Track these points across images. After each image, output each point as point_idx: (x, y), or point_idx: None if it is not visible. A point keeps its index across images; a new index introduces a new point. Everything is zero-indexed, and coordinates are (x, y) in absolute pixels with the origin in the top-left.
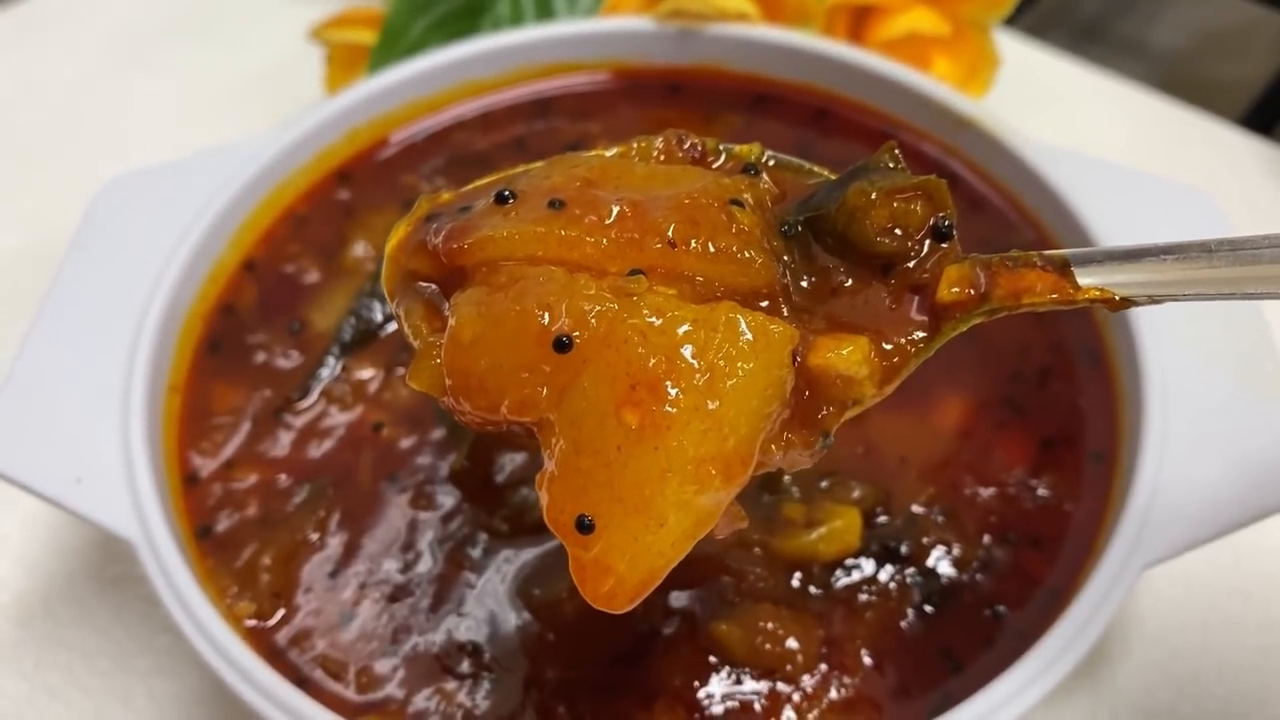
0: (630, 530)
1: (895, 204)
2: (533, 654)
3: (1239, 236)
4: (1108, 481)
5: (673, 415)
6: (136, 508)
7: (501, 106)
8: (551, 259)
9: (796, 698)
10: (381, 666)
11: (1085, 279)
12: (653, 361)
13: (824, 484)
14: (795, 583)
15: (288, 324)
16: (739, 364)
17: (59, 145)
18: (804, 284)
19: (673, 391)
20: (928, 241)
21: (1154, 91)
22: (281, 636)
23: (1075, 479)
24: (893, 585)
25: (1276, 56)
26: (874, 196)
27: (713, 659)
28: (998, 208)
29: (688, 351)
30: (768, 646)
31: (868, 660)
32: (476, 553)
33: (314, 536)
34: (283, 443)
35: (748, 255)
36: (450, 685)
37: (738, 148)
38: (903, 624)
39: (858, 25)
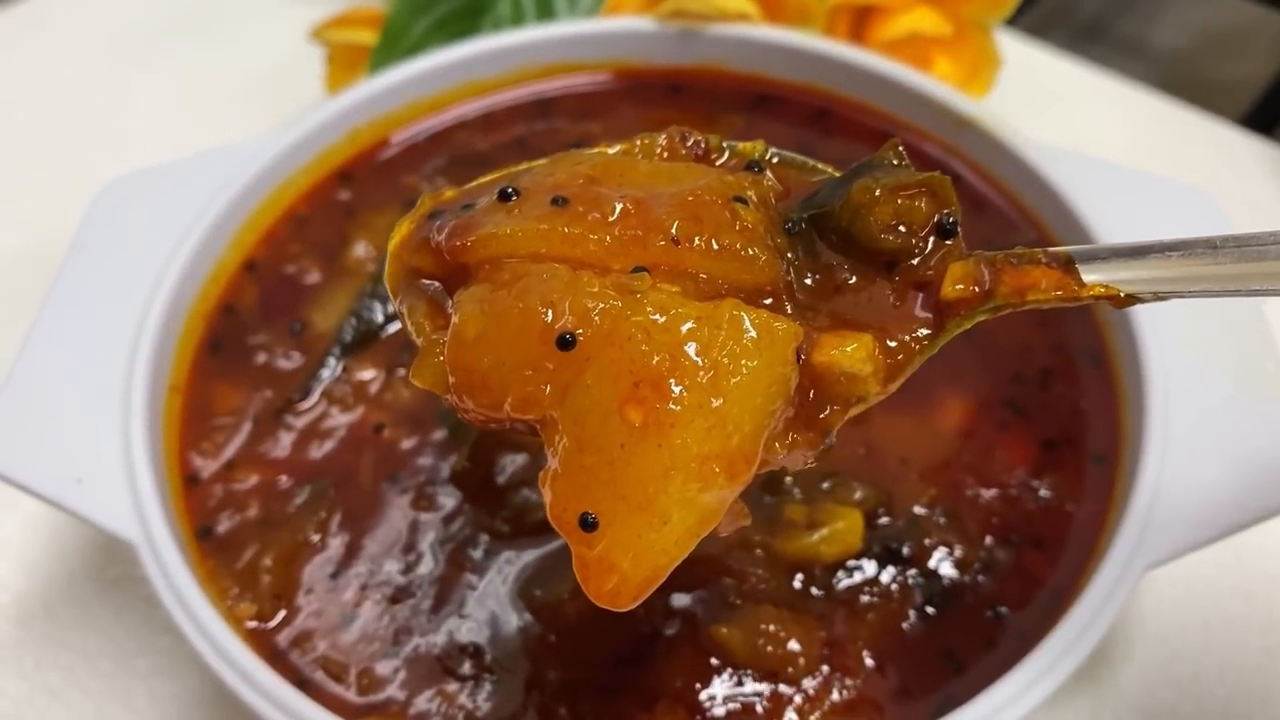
0: (634, 528)
1: (899, 201)
2: (534, 655)
3: (1244, 233)
4: (1110, 483)
5: (676, 413)
6: (137, 509)
7: (503, 107)
8: (555, 256)
9: (798, 699)
10: (383, 668)
11: (1090, 276)
12: (656, 359)
13: (825, 485)
14: (797, 584)
15: (289, 324)
16: (743, 361)
17: (59, 145)
18: (808, 281)
19: (676, 389)
20: (932, 238)
21: (1155, 91)
22: (282, 638)
23: (1077, 480)
24: (894, 586)
25: (1277, 56)
26: (878, 193)
27: (714, 661)
28: (999, 208)
29: (691, 349)
30: (769, 648)
31: (869, 662)
32: (478, 554)
33: (315, 538)
34: (284, 444)
35: (751, 252)
36: (452, 687)
37: (741, 145)
38: (904, 625)
39: (859, 25)
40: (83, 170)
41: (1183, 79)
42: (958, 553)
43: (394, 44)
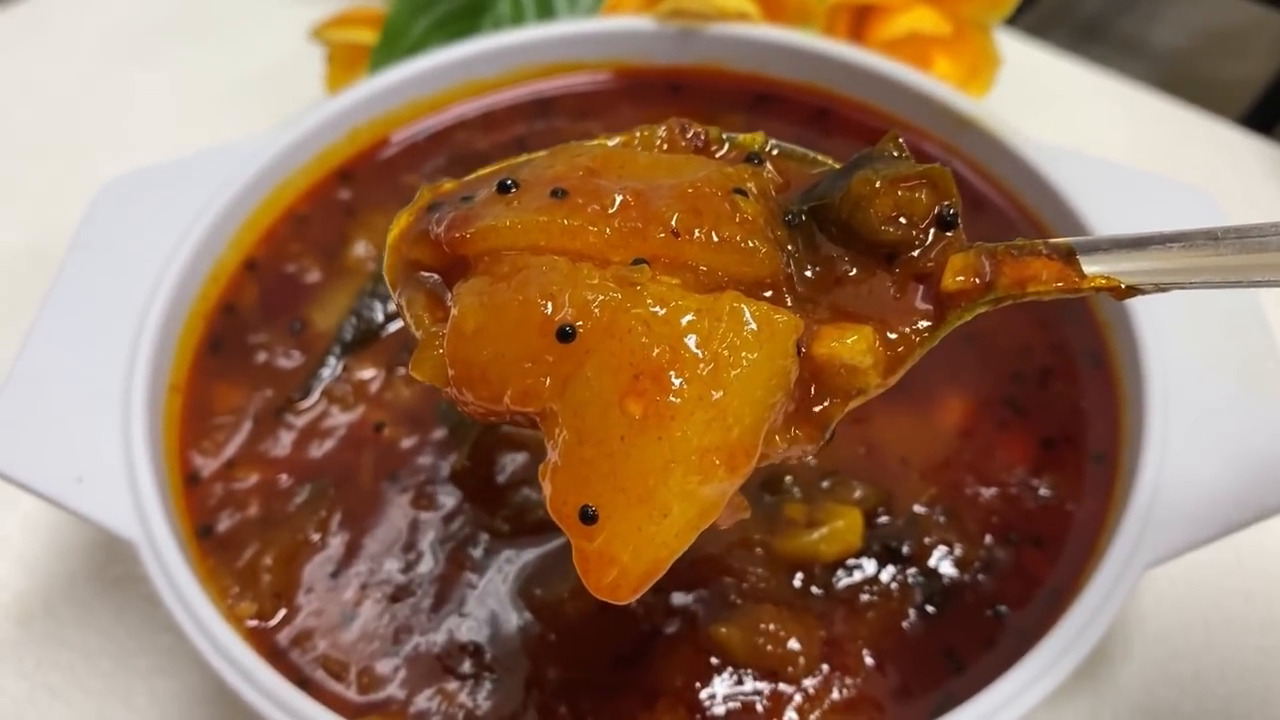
0: (634, 521)
1: (900, 192)
2: (534, 654)
3: (1245, 224)
4: (1109, 482)
5: (676, 405)
6: (137, 508)
7: (502, 106)
8: (554, 248)
9: (798, 698)
10: (383, 667)
11: (1091, 267)
12: (656, 351)
13: (825, 484)
14: (797, 583)
15: (289, 324)
16: (743, 354)
17: (59, 145)
18: (808, 273)
19: (676, 381)
20: (932, 230)
21: (1155, 91)
22: (283, 636)
23: (1077, 479)
24: (894, 585)
25: (1277, 56)
26: (878, 185)
27: (714, 660)
28: (999, 207)
29: (691, 341)
30: (769, 647)
31: (869, 660)
32: (478, 553)
33: (315, 536)
34: (284, 442)
35: (751, 245)
36: (452, 685)
37: (741, 137)
38: (904, 624)
39: (859, 25)
40: (83, 170)
41: (1183, 78)
42: (958, 551)
43: (394, 43)
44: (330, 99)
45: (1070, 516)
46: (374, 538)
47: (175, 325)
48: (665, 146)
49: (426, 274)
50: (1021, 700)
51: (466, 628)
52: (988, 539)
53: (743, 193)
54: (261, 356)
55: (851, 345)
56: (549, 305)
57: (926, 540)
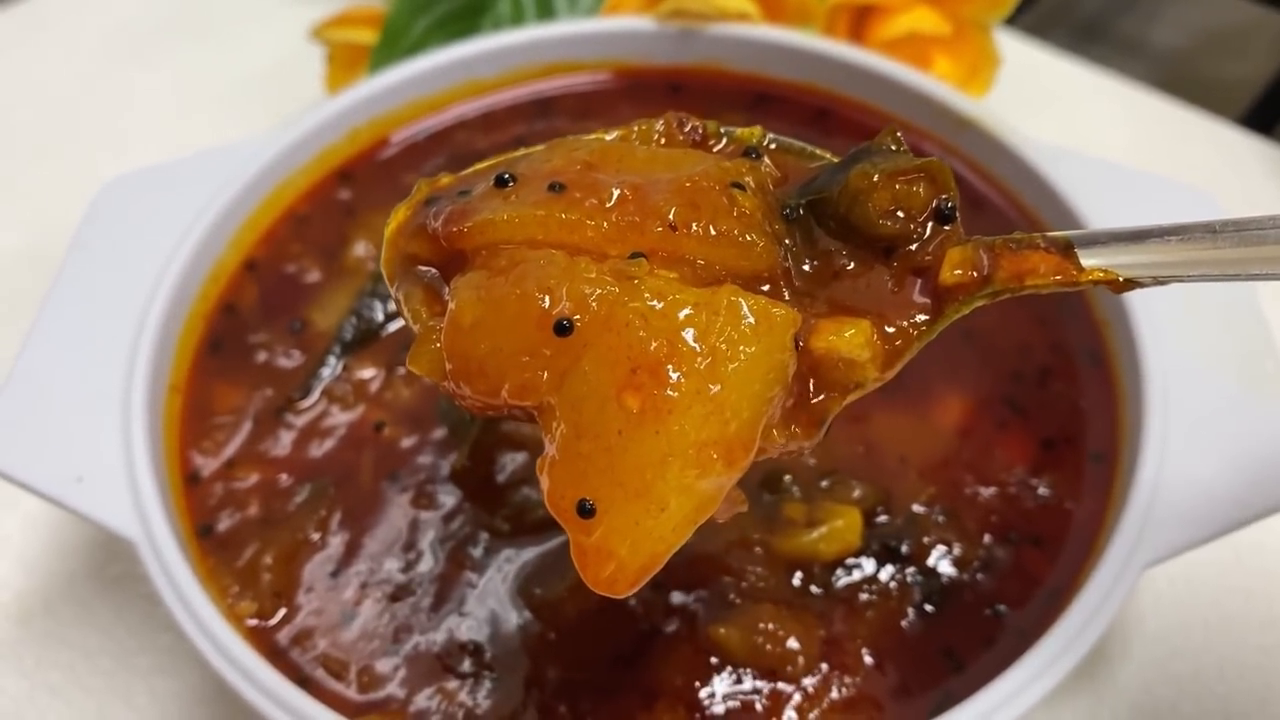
0: (631, 515)
1: (898, 186)
2: (534, 653)
3: (1243, 218)
4: (1109, 481)
5: (674, 399)
6: (138, 507)
7: (502, 106)
8: (552, 242)
9: (798, 697)
10: (383, 666)
11: (1089, 260)
12: (654, 345)
13: (824, 483)
14: (796, 582)
15: (289, 323)
16: (741, 347)
17: (59, 145)
18: (805, 267)
19: (674, 375)
20: (930, 224)
21: (1155, 91)
22: (283, 636)
23: (1076, 478)
24: (893, 585)
25: (1277, 56)
26: (876, 179)
27: (714, 659)
28: (998, 207)
29: (689, 335)
30: (768, 647)
31: (869, 659)
32: (478, 552)
33: (315, 536)
34: (284, 442)
35: (749, 239)
36: (452, 685)
37: (739, 131)
38: (903, 623)
39: (858, 25)
40: (83, 170)
41: (1183, 78)
42: (957, 551)
43: (394, 43)
44: (330, 99)
45: (1069, 516)
46: (374, 537)
47: (175, 325)
48: (663, 140)
49: (424, 268)
50: (1020, 699)
51: (466, 627)
52: (987, 538)
53: (740, 187)
54: (261, 356)
55: (849, 339)
56: (546, 299)
57: (926, 539)
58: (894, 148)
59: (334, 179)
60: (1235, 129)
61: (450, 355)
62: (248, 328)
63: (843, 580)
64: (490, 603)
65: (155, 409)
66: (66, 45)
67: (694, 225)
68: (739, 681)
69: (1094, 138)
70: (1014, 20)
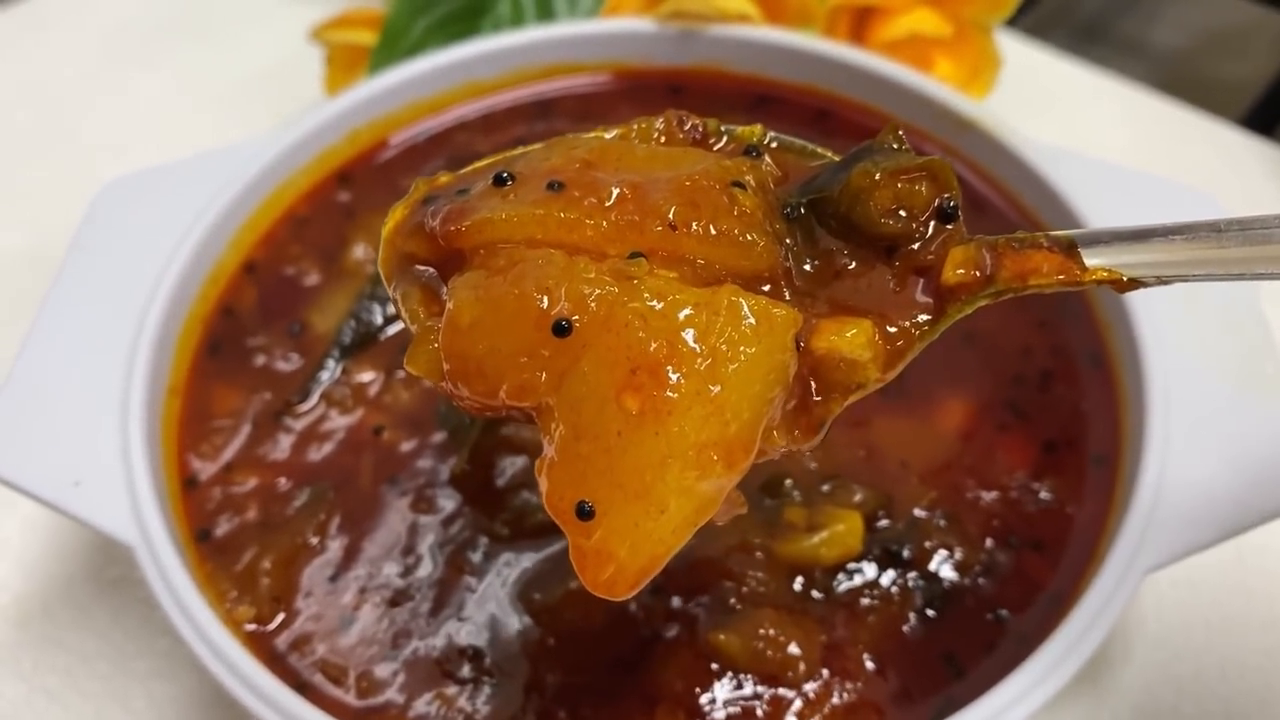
0: (631, 516)
1: (900, 185)
2: (534, 659)
3: (1248, 216)
4: (1110, 485)
5: (674, 400)
6: (135, 511)
7: (502, 108)
8: (550, 241)
9: (799, 703)
10: (382, 671)
11: (1092, 260)
12: (653, 345)
13: (825, 488)
14: (797, 587)
15: (288, 326)
16: (741, 348)
17: (59, 145)
18: (806, 267)
19: (674, 376)
20: (932, 223)
21: (1155, 92)
22: (281, 641)
23: (1077, 482)
24: (894, 589)
25: (1278, 56)
26: (878, 177)
27: (714, 665)
28: (999, 209)
29: (689, 335)
30: (769, 652)
31: (870, 665)
32: (477, 557)
33: (314, 540)
34: (283, 446)
35: (749, 238)
36: (451, 690)
37: (739, 129)
38: (905, 628)
39: (859, 26)
40: (83, 170)
41: (1183, 79)
42: (958, 555)
43: (393, 45)
44: (329, 101)
45: (1071, 520)
46: (373, 541)
47: (174, 327)
48: (663, 139)
49: (422, 268)
50: (1022, 705)
51: (466, 632)
52: (988, 543)
53: (741, 186)
54: (260, 359)
55: (851, 339)
56: (545, 299)
57: (927, 544)
58: (896, 146)
59: (333, 181)
60: (1236, 130)
61: (448, 355)
62: (246, 330)
63: (844, 585)
64: (490, 607)
65: (154, 412)
66: (66, 45)
67: (694, 224)
68: (739, 687)
69: (1094, 139)
70: (1014, 21)
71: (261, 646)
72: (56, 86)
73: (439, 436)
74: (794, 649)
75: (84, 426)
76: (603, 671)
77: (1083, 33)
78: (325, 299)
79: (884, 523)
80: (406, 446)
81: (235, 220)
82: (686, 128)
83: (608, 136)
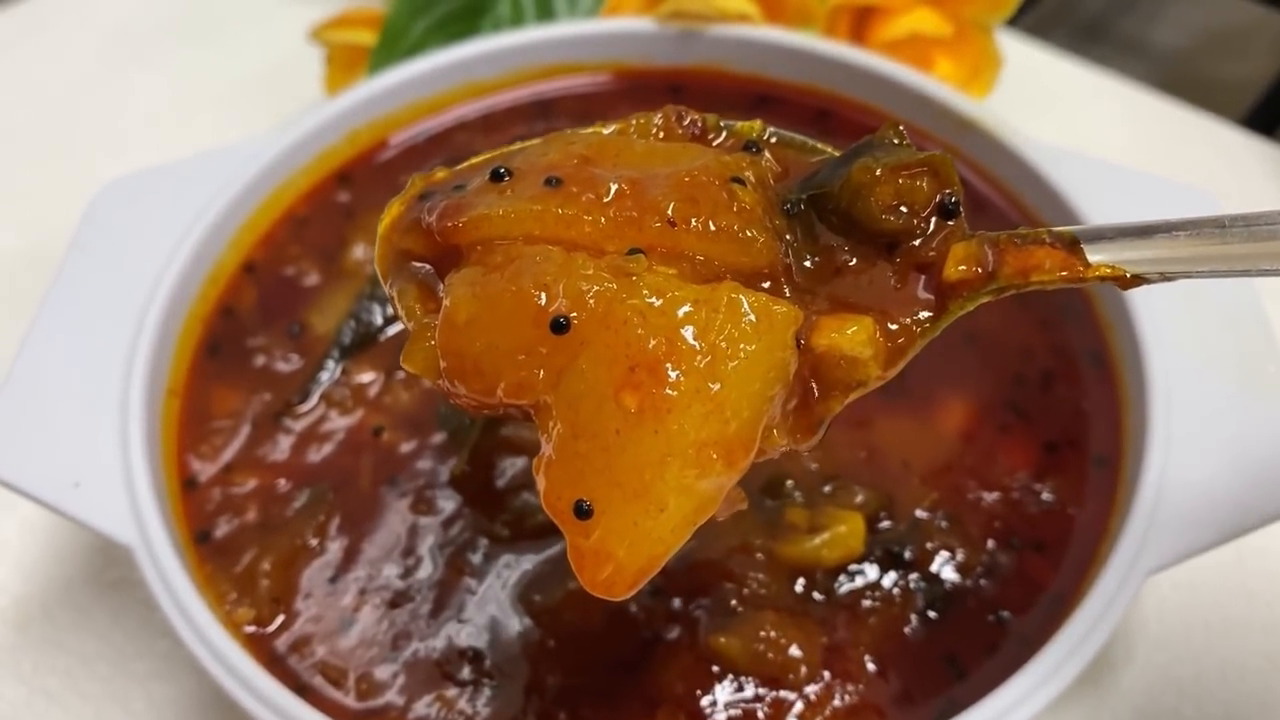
0: (629, 516)
1: (901, 180)
2: (534, 660)
3: (1252, 212)
4: (1112, 486)
5: (673, 398)
6: (135, 512)
7: (502, 108)
8: (548, 238)
9: (800, 705)
10: (382, 673)
11: (1095, 256)
12: (652, 343)
13: (827, 489)
14: (798, 588)
15: (287, 327)
16: (741, 345)
17: (59, 145)
18: (807, 264)
19: (673, 374)
20: (934, 219)
21: (1156, 92)
22: (281, 642)
23: (1079, 483)
24: (896, 591)
25: (1278, 56)
26: (879, 173)
27: (715, 667)
28: (1000, 208)
29: (688, 333)
30: (770, 654)
31: (871, 666)
32: (477, 558)
33: (314, 542)
34: (282, 447)
35: (749, 234)
36: (451, 692)
37: (739, 124)
38: (906, 630)
39: (859, 26)
40: (83, 170)
41: (1183, 79)
42: (959, 557)
43: (393, 45)
44: (329, 101)
45: (1072, 521)
46: (373, 543)
47: (173, 328)
48: (661, 134)
49: (418, 264)
50: (1024, 707)
51: (466, 633)
52: (990, 544)
53: (740, 181)
54: (260, 360)
55: (851, 336)
56: (543, 296)
57: (928, 545)
58: (897, 141)
59: (333, 181)
60: (1236, 130)
61: (444, 353)
62: (246, 331)
63: (845, 586)
64: (490, 609)
65: (153, 413)
66: (66, 45)
67: (693, 220)
68: (740, 689)
69: (1095, 138)
70: (1015, 21)
71: (261, 648)
72: (56, 87)
73: (439, 437)
74: (795, 651)
75: (83, 427)
76: (603, 673)
77: (1083, 32)
78: (325, 299)
79: (885, 524)
80: (406, 447)
81: (235, 220)
82: (685, 123)
83: (606, 132)
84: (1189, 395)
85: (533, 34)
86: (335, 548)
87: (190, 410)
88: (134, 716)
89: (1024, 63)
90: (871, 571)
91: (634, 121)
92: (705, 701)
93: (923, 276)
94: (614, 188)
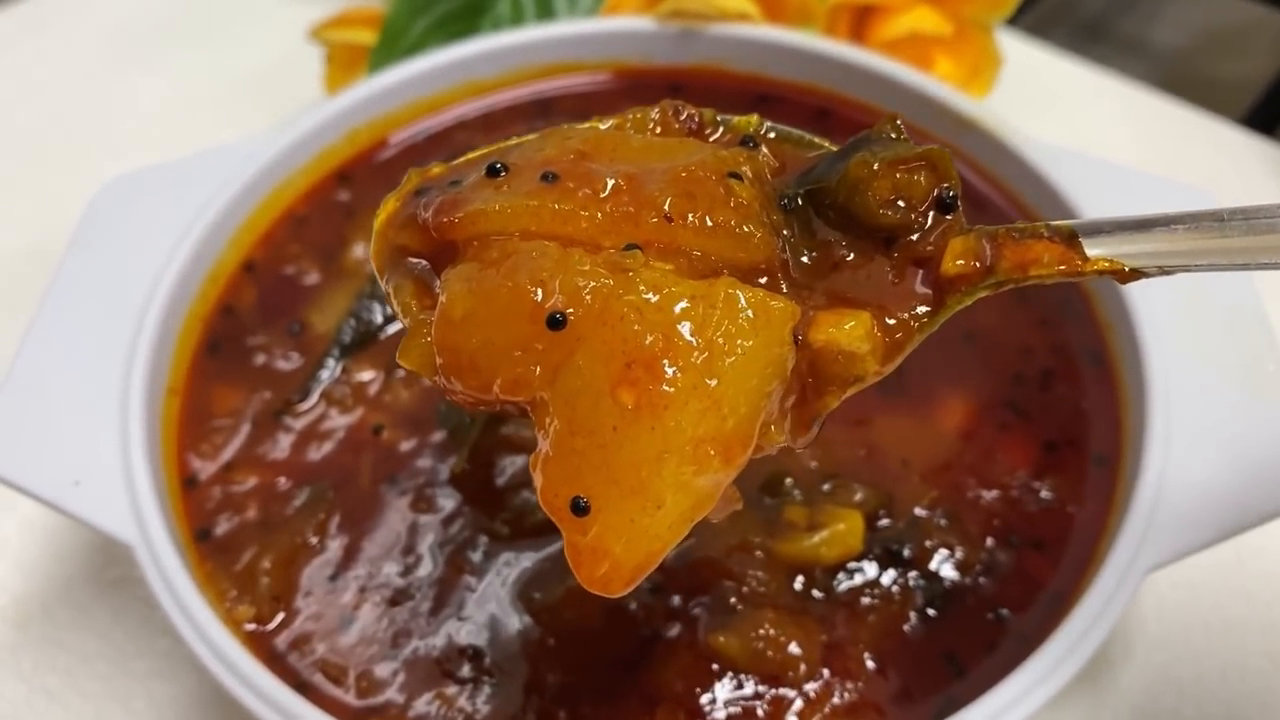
0: (626, 512)
1: (898, 175)
2: (534, 658)
3: (1252, 206)
4: (1111, 484)
5: (670, 394)
6: (135, 511)
7: (502, 107)
8: (545, 233)
9: (799, 703)
10: (382, 671)
11: (1093, 250)
12: (649, 339)
13: (826, 487)
14: (797, 586)
15: (287, 325)
16: (738, 341)
17: (59, 145)
18: (804, 259)
19: (670, 370)
20: (932, 213)
21: (1156, 91)
22: (281, 640)
23: (1078, 481)
24: (895, 589)
25: (1278, 56)
26: (876, 167)
27: (715, 665)
28: (1000, 208)
29: (685, 329)
30: (769, 652)
31: (870, 664)
32: (477, 556)
33: (314, 540)
34: (282, 445)
35: (746, 229)
36: (451, 690)
37: (736, 119)
38: (905, 628)
39: (859, 25)
40: (83, 170)
41: (1184, 78)
42: (959, 555)
43: (393, 44)
44: (329, 100)
45: (1072, 519)
46: (373, 541)
47: (174, 326)
48: (658, 129)
49: (414, 260)
50: (1023, 705)
51: (465, 631)
52: (989, 542)
53: (737, 176)
54: (260, 358)
55: (849, 331)
56: (539, 292)
57: (928, 543)
58: (894, 136)
59: (333, 180)
60: (1236, 129)
61: (441, 349)
62: (246, 329)
63: (844, 584)
64: (490, 607)
65: (153, 411)
66: (66, 45)
67: (690, 216)
68: (740, 687)
69: (1095, 138)
70: (1015, 20)
71: (261, 646)
72: (56, 86)
73: (439, 436)
74: (794, 649)
75: (84, 425)
76: (603, 671)
77: (1083, 32)
78: (325, 298)
79: (885, 522)
80: (406, 446)
81: (235, 219)
82: (682, 118)
83: (603, 127)
84: (1188, 394)
85: (532, 33)
86: (335, 546)
87: (190, 409)
88: (134, 715)
89: (1024, 62)
90: (871, 569)
91: (631, 116)
92: (705, 699)
93: (920, 271)
94: (610, 183)
